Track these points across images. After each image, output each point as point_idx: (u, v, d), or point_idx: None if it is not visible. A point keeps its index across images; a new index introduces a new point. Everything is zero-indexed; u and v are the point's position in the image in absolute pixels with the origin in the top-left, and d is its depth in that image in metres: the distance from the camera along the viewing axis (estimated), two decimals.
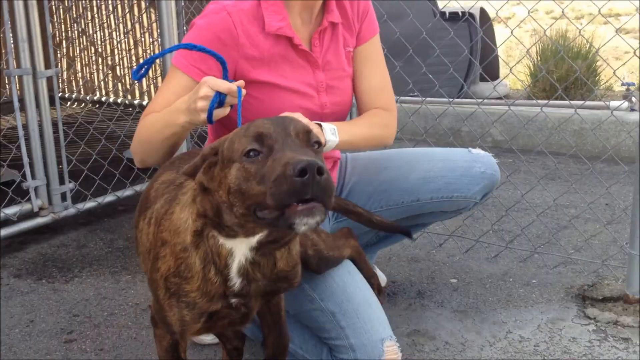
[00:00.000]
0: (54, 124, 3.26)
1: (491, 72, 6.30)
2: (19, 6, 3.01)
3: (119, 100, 6.61)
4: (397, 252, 2.96)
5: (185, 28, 3.92)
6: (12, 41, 3.13)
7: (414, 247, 3.01)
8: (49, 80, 3.19)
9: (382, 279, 2.59)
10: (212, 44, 1.77)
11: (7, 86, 5.78)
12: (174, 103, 1.77)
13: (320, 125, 1.85)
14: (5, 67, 3.10)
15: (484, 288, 2.61)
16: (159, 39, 3.48)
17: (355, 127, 2.02)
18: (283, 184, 1.17)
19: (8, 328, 2.40)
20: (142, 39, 6.46)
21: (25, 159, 3.10)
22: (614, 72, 2.88)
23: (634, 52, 2.64)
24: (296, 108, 1.90)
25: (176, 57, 1.88)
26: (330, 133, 1.86)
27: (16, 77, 3.11)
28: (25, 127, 3.12)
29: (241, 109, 1.65)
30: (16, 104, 3.08)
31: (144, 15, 6.36)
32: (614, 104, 4.35)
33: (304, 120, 1.73)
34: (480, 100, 3.94)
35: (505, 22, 4.94)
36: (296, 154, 1.19)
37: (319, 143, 1.33)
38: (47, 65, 3.22)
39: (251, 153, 1.25)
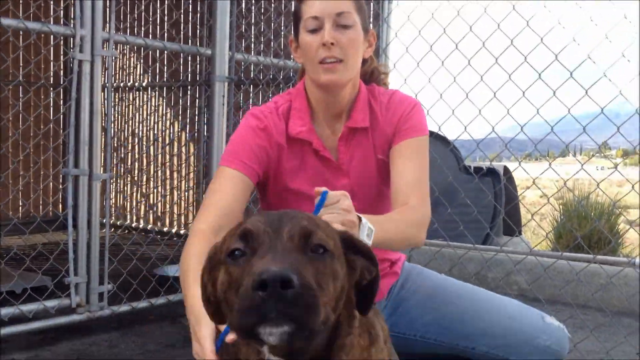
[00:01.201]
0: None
1: (513, 229, 6.47)
2: (85, 111, 3.25)
3: (149, 227, 6.80)
4: None
5: None
6: (73, 143, 3.34)
7: None
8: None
9: None
10: (248, 138, 1.95)
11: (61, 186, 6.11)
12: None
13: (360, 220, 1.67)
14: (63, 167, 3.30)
15: None
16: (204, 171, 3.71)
17: (392, 225, 1.85)
18: (245, 299, 1.02)
19: None
20: (179, 170, 6.75)
21: (71, 255, 3.19)
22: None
23: None
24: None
25: (221, 159, 1.98)
26: (366, 234, 1.65)
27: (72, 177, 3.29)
28: (75, 225, 3.25)
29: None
30: (70, 202, 3.24)
31: (183, 148, 6.71)
32: (636, 261, 4.43)
33: (346, 203, 1.58)
34: (502, 247, 4.03)
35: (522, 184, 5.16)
36: (270, 262, 1.03)
37: (324, 247, 1.19)
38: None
39: (236, 252, 1.15)
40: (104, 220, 3.48)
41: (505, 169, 6.58)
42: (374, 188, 2.08)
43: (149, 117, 7.09)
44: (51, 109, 7.17)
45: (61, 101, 7.26)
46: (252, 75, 5.22)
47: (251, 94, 5.68)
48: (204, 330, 1.46)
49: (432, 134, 4.85)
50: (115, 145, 7.24)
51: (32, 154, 5.28)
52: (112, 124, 7.40)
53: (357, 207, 1.82)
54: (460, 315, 2.11)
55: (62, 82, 7.07)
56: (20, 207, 6.83)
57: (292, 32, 2.06)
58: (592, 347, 3.28)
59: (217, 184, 1.93)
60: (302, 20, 1.96)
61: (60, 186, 6.94)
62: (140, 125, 7.17)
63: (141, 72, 7.18)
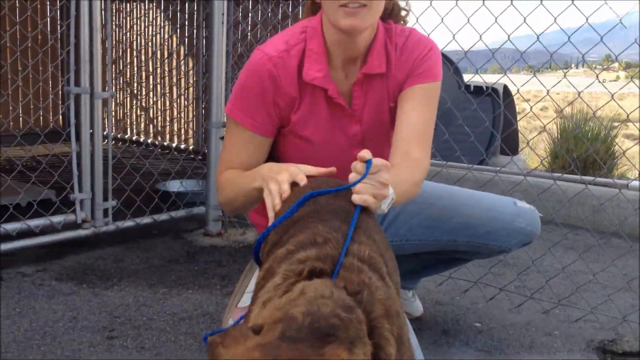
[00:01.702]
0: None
1: (511, 148, 6.52)
2: (84, 29, 3.22)
3: (149, 141, 6.84)
4: (421, 295, 3.04)
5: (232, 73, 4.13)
6: (74, 61, 3.33)
7: (437, 292, 3.11)
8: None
9: (419, 308, 2.69)
10: (257, 91, 1.92)
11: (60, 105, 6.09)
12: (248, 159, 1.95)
13: None
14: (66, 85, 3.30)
15: (508, 334, 2.69)
16: (205, 85, 3.70)
17: (403, 187, 1.79)
18: None
19: (52, 321, 2.50)
20: (178, 84, 6.72)
21: (75, 172, 3.25)
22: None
23: None
24: (328, 160, 1.83)
25: (230, 108, 1.99)
26: (387, 205, 1.60)
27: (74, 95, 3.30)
28: (78, 141, 3.29)
29: (291, 152, 1.89)
30: (72, 120, 3.26)
31: (182, 62, 6.65)
32: (633, 184, 4.51)
33: (384, 177, 1.52)
34: (499, 168, 4.09)
35: (522, 97, 5.17)
36: None
37: None
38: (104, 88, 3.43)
39: None
40: (106, 134, 3.50)
41: (505, 88, 6.57)
42: (385, 136, 2.06)
43: (146, 29, 6.98)
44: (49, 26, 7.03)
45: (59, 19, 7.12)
46: None
47: (250, 12, 5.58)
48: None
49: None
50: (114, 57, 7.16)
51: (32, 72, 5.25)
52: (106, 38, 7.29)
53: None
54: (442, 214, 2.27)
55: None
56: (20, 120, 6.83)
57: None
58: (581, 267, 3.40)
59: (233, 142, 2.00)
60: None
61: (61, 103, 6.95)
62: (139, 37, 7.08)
63: None
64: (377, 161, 1.50)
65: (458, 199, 2.30)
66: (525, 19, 2.97)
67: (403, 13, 2.10)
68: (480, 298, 3.05)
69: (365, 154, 1.49)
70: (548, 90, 3.04)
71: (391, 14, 2.05)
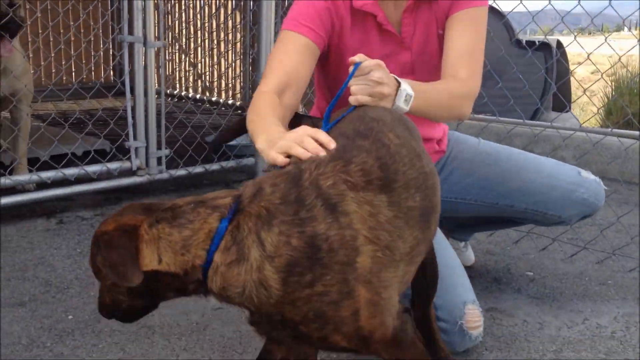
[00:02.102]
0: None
1: (563, 104, 6.37)
2: None
3: (197, 97, 6.90)
4: (472, 245, 3.04)
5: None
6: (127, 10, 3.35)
7: (489, 242, 3.10)
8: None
9: (470, 258, 2.69)
10: (316, 7, 1.89)
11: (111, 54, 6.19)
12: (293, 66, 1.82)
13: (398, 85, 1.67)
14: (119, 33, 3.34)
15: (560, 282, 2.67)
16: (256, 42, 3.69)
17: (435, 94, 1.84)
18: None
19: None
20: (225, 38, 6.73)
21: (130, 121, 3.31)
22: None
23: None
24: None
25: (284, 23, 1.94)
26: (403, 100, 1.66)
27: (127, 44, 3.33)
28: (132, 92, 3.34)
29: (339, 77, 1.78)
30: (127, 69, 3.31)
31: (229, 18, 6.64)
32: None
33: (376, 75, 1.57)
34: (550, 123, 4.00)
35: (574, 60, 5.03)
36: None
37: None
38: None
39: None
40: (160, 88, 3.56)
41: (558, 43, 6.39)
42: (434, 64, 2.04)
43: None
44: None
45: None
46: None
47: None
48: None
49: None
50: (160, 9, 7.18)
51: (83, 25, 5.31)
52: None
53: (419, 79, 1.88)
54: (500, 175, 2.19)
55: None
56: (73, 75, 6.96)
57: None
58: (635, 221, 3.34)
59: (282, 48, 1.88)
60: None
61: (111, 58, 7.04)
62: None
63: None
64: (369, 62, 1.56)
65: (518, 162, 2.22)
66: None
67: None
68: (532, 248, 3.03)
69: (356, 57, 1.56)
70: (589, 54, 2.99)
71: None
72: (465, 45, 1.94)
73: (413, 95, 1.68)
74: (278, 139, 1.43)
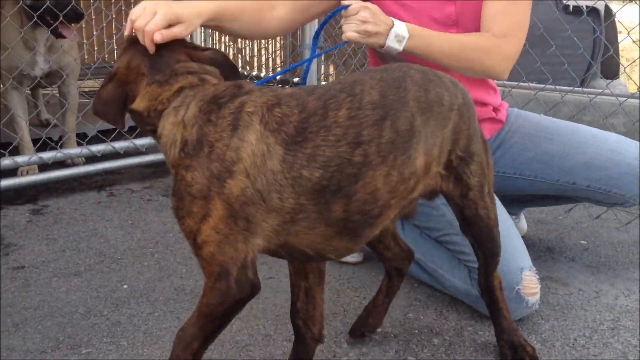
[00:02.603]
0: None
1: (611, 71, 6.19)
2: None
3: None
4: (523, 215, 2.99)
5: None
6: None
7: (540, 211, 3.04)
8: None
9: (523, 227, 2.64)
10: None
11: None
12: None
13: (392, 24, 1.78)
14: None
15: (615, 251, 2.61)
16: None
17: (444, 41, 1.85)
18: None
19: (163, 232, 2.65)
20: None
21: None
22: None
23: None
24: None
25: None
26: (394, 39, 1.78)
27: None
28: None
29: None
30: None
31: None
32: None
33: (363, 15, 1.74)
34: (603, 90, 3.89)
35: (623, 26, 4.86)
36: None
37: None
38: None
39: None
40: None
41: (607, 8, 6.21)
42: (477, 20, 1.99)
43: None
44: None
45: None
46: None
47: None
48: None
49: None
50: None
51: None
52: None
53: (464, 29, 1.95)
54: (561, 150, 2.13)
55: None
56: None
57: None
58: None
59: None
60: None
61: None
62: None
63: None
64: (356, 4, 1.74)
65: (580, 137, 2.14)
66: None
67: None
68: (586, 217, 2.96)
69: (345, 1, 1.75)
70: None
71: None
72: (504, 2, 1.92)
73: (407, 36, 1.78)
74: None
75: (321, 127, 1.31)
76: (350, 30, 1.74)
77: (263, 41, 6.80)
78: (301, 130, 1.31)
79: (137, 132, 3.34)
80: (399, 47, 1.79)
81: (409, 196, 1.43)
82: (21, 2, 3.07)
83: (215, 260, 1.29)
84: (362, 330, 1.88)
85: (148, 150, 3.32)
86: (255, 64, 6.96)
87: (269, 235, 1.32)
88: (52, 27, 3.13)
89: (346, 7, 1.75)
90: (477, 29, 1.99)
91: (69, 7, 3.08)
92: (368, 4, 1.76)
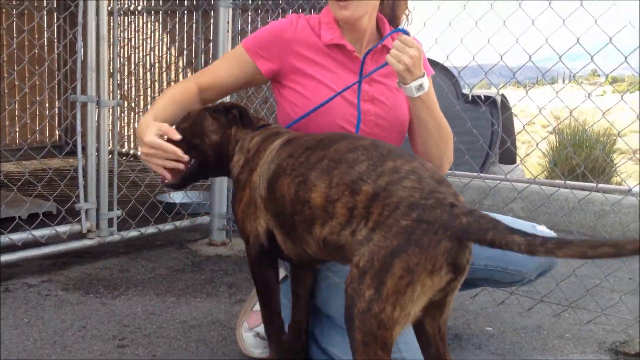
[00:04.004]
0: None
1: (509, 158, 6.53)
2: (91, 38, 3.22)
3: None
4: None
5: None
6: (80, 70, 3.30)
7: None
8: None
9: None
10: (269, 38, 2.12)
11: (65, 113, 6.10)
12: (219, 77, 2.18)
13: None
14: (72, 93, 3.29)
15: (519, 337, 2.68)
16: None
17: (442, 117, 2.11)
18: None
19: (61, 331, 2.47)
20: None
21: (81, 181, 3.23)
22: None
23: None
24: (338, 108, 2.08)
25: (245, 40, 2.18)
26: (417, 86, 1.96)
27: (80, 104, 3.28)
28: (84, 152, 3.27)
29: (289, 104, 2.13)
30: (79, 128, 3.24)
31: (181, 75, 6.65)
32: (635, 189, 4.51)
33: (411, 52, 1.89)
34: (504, 176, 4.08)
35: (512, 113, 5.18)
36: None
37: None
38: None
39: None
40: (111, 147, 3.50)
41: (503, 97, 6.60)
42: (392, 99, 2.17)
43: (145, 42, 6.99)
44: (58, 34, 7.07)
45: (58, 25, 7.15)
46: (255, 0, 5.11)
47: (257, 17, 5.59)
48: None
49: (437, 64, 4.87)
50: (111, 70, 7.14)
51: (38, 83, 5.23)
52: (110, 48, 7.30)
53: (377, 114, 2.14)
54: None
55: (67, 8, 6.94)
56: (17, 135, 6.81)
57: None
58: (589, 272, 3.39)
59: (225, 57, 2.23)
60: None
61: (58, 118, 6.93)
62: (137, 50, 7.08)
63: None
64: (413, 40, 1.91)
65: None
66: (517, 39, 3.03)
67: (402, 19, 2.30)
68: (490, 302, 3.03)
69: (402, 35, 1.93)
70: (541, 109, 3.09)
71: (394, 22, 2.26)
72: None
73: (426, 90, 1.97)
74: (146, 132, 1.96)
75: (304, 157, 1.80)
76: (397, 57, 1.89)
77: None
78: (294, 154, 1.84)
79: (36, 222, 3.20)
80: (415, 94, 1.97)
81: None
82: None
83: (242, 232, 1.97)
84: None
85: (48, 240, 3.17)
86: None
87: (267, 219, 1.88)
88: None
89: (407, 33, 1.93)
90: (389, 109, 2.15)
91: None
92: (420, 46, 1.92)
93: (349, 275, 1.55)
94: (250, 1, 4.78)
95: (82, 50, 3.24)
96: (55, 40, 6.67)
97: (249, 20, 5.71)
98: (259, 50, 2.12)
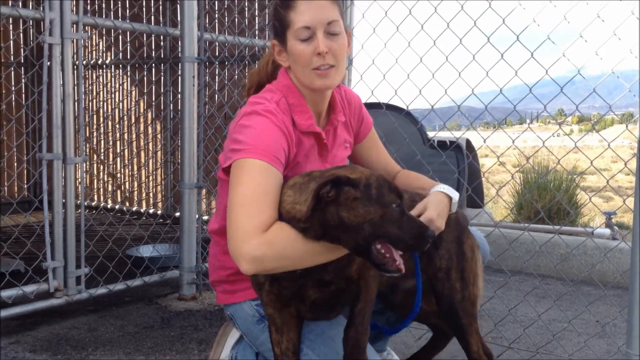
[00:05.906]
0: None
1: (476, 201, 6.62)
2: (57, 96, 3.25)
3: (117, 207, 6.79)
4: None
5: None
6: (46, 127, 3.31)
7: (417, 346, 3.09)
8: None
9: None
10: (279, 131, 1.96)
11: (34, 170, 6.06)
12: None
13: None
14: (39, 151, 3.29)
15: None
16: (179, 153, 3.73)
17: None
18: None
19: None
20: (146, 147, 6.74)
21: (48, 240, 3.21)
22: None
23: (607, 182, 2.91)
24: None
25: (250, 153, 1.90)
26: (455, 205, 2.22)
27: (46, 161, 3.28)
28: (50, 209, 3.26)
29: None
30: (45, 186, 3.24)
31: (149, 127, 6.68)
32: (598, 231, 4.63)
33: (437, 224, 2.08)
34: (470, 220, 4.14)
35: (480, 153, 5.30)
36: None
37: None
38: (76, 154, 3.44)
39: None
40: (79, 202, 3.50)
41: (468, 142, 6.73)
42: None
43: (113, 95, 7.02)
44: (25, 93, 7.09)
45: (25, 84, 7.16)
46: (220, 55, 5.21)
47: (218, 74, 5.68)
48: None
49: (401, 111, 4.97)
50: (77, 127, 7.14)
51: (6, 139, 5.21)
52: (77, 103, 7.32)
53: None
54: None
55: (33, 66, 6.98)
56: None
57: (274, 36, 2.10)
58: (555, 315, 3.44)
59: (264, 181, 1.86)
60: (292, 30, 2.01)
61: (25, 169, 6.90)
62: (105, 103, 7.11)
63: (104, 49, 7.10)
64: (430, 220, 2.06)
65: None
66: (487, 72, 3.10)
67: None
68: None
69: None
70: (513, 141, 3.16)
71: None
72: (389, 161, 2.47)
73: (457, 196, 2.23)
74: None
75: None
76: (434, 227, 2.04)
77: (143, 176, 6.79)
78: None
79: (3, 282, 3.17)
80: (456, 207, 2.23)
81: None
82: None
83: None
84: None
85: (15, 301, 3.13)
86: (136, 199, 6.89)
87: None
88: None
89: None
90: None
91: None
92: (438, 196, 2.16)
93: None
94: (212, 57, 4.86)
95: (47, 109, 3.26)
96: (23, 98, 6.71)
97: (216, 73, 5.81)
98: (276, 155, 1.92)
